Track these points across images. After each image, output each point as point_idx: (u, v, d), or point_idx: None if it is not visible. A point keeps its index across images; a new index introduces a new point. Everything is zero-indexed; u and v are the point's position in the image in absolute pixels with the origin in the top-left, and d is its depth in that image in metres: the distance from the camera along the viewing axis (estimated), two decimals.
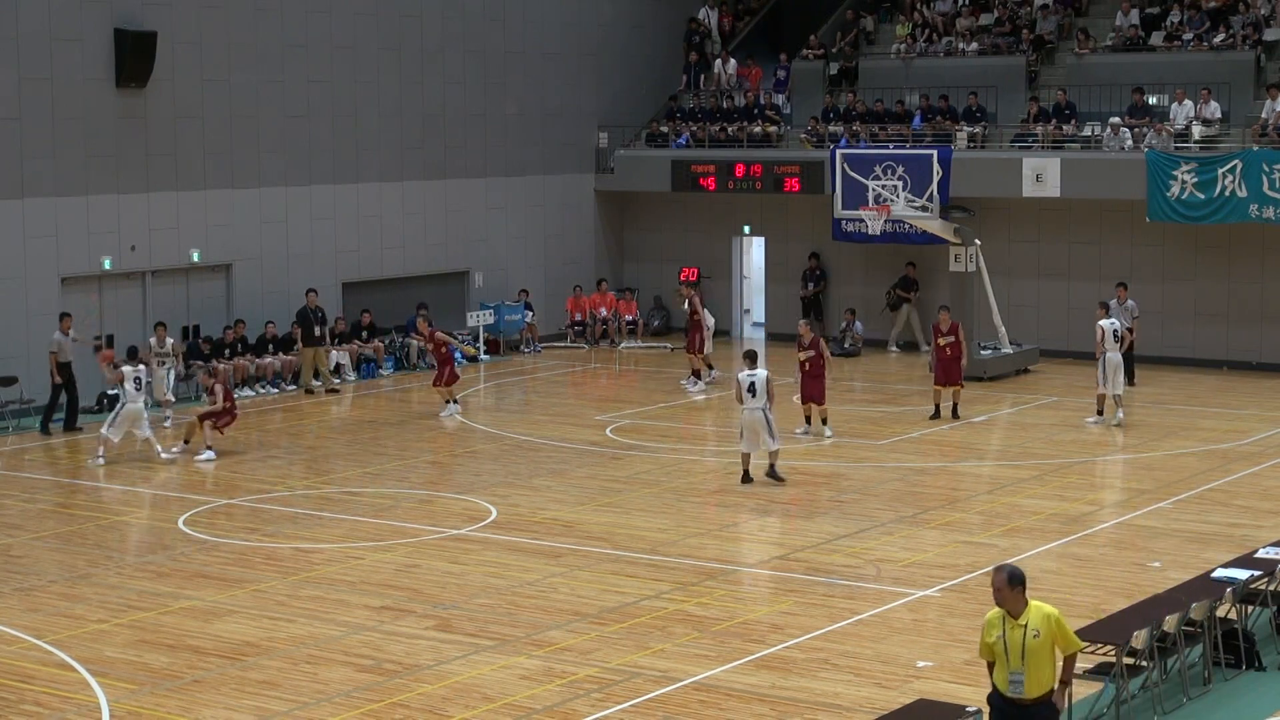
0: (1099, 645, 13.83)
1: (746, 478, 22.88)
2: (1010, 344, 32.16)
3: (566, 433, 26.89)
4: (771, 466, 22.94)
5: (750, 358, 23.29)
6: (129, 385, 24.77)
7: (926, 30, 37.50)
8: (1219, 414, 27.88)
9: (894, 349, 35.04)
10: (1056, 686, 11.19)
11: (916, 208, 31.94)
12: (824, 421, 26.19)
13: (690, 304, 31.07)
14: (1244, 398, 29.37)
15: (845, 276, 36.32)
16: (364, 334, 32.99)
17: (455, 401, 28.54)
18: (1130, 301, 29.53)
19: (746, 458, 22.93)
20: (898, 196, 31.72)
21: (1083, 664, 13.87)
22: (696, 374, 31.08)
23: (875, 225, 32.58)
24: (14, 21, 28.17)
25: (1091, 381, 27.38)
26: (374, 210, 33.92)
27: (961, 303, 30.64)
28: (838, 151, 33.30)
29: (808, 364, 25.87)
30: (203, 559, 19.42)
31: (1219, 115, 32.57)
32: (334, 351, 32.01)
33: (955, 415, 27.31)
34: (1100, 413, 26.90)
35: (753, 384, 22.52)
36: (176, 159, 30.49)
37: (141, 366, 25.27)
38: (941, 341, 27.24)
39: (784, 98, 38.26)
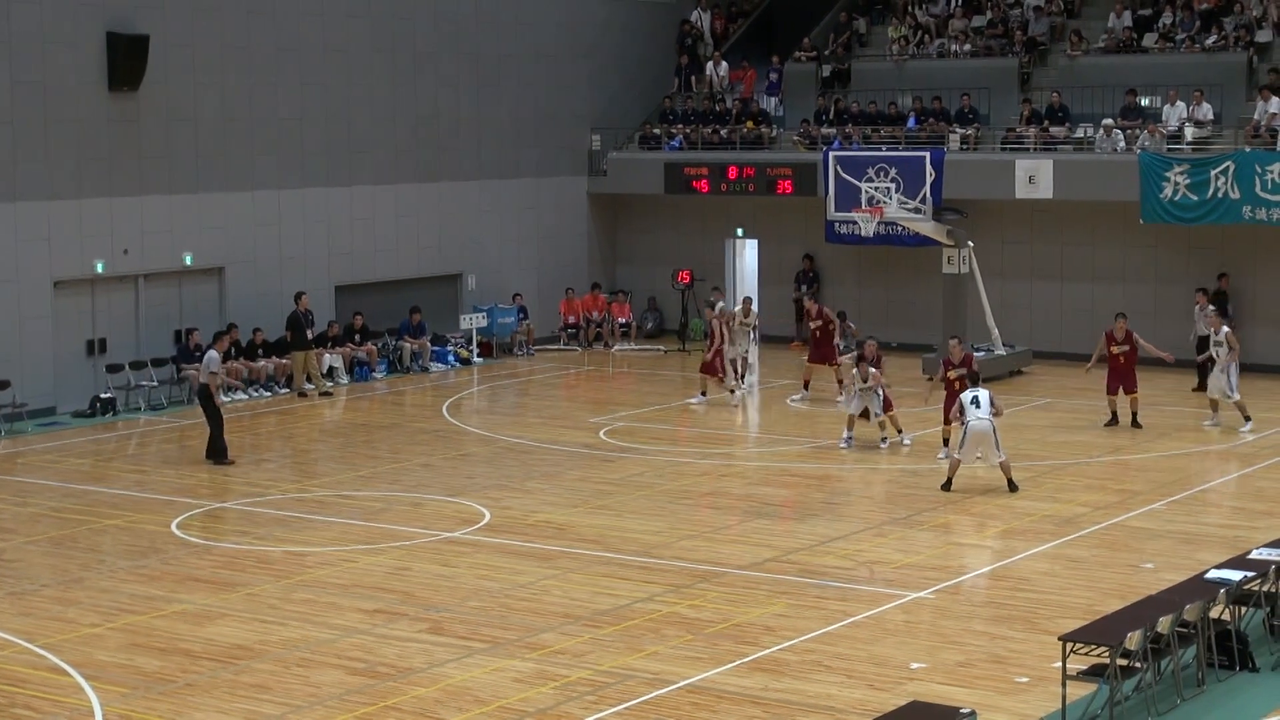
0: (1093, 646, 13.83)
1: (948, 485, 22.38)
2: (1003, 346, 32.16)
3: (559, 435, 26.87)
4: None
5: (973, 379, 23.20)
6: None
7: (919, 32, 37.51)
8: None
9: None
10: None
11: (909, 210, 31.91)
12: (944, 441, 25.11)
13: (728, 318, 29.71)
14: None
15: (838, 278, 36.31)
16: (357, 337, 32.96)
17: None
18: (1211, 308, 29.07)
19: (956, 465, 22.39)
20: (890, 198, 31.71)
21: (1077, 665, 13.91)
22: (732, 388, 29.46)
23: (868, 227, 32.56)
24: (6, 25, 28.13)
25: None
26: (367, 213, 33.89)
27: (954, 305, 30.57)
28: (830, 154, 33.29)
29: (958, 382, 24.37)
30: (195, 563, 19.40)
31: (1211, 117, 32.57)
32: (327, 354, 32.00)
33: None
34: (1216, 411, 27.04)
35: (975, 398, 22.24)
36: (169, 162, 30.45)
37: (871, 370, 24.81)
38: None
39: (776, 100, 38.26)
